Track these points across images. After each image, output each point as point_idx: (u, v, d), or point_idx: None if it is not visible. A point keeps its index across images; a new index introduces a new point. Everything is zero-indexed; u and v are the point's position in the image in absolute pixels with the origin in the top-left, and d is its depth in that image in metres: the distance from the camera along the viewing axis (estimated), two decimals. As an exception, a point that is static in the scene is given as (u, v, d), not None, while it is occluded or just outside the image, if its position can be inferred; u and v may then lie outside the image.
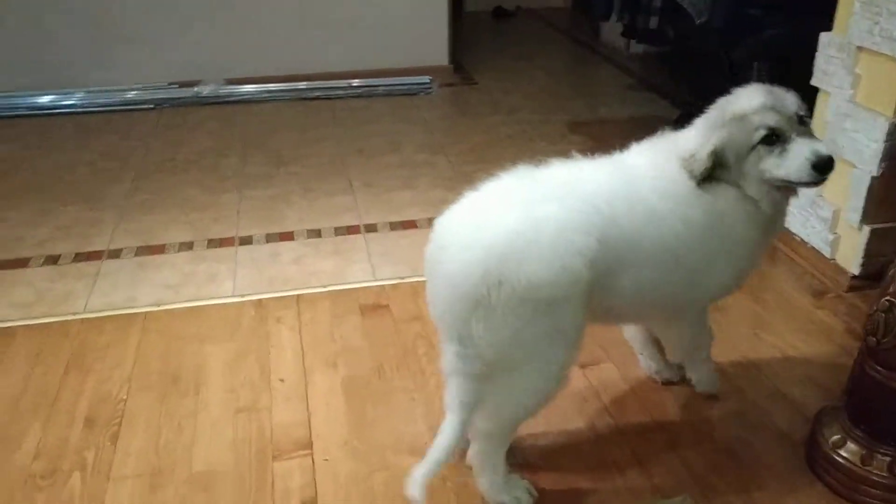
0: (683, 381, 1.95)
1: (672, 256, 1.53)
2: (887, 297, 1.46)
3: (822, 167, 1.49)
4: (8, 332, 2.22)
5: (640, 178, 1.57)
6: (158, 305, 2.35)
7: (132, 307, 2.34)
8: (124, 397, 1.96)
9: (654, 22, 3.02)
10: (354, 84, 4.33)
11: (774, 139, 1.51)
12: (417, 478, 1.40)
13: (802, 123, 1.54)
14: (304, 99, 4.20)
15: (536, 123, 3.80)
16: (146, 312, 2.31)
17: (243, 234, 2.77)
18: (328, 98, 4.21)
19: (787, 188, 1.58)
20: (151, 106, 4.12)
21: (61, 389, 1.99)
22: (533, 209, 1.41)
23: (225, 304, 2.35)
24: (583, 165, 1.60)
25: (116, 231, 2.79)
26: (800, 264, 2.51)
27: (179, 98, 4.18)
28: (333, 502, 1.64)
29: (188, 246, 2.69)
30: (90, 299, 2.38)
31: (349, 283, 2.44)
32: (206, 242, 2.71)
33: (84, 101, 4.11)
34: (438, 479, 1.61)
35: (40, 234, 2.78)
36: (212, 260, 2.60)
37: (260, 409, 1.91)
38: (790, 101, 1.53)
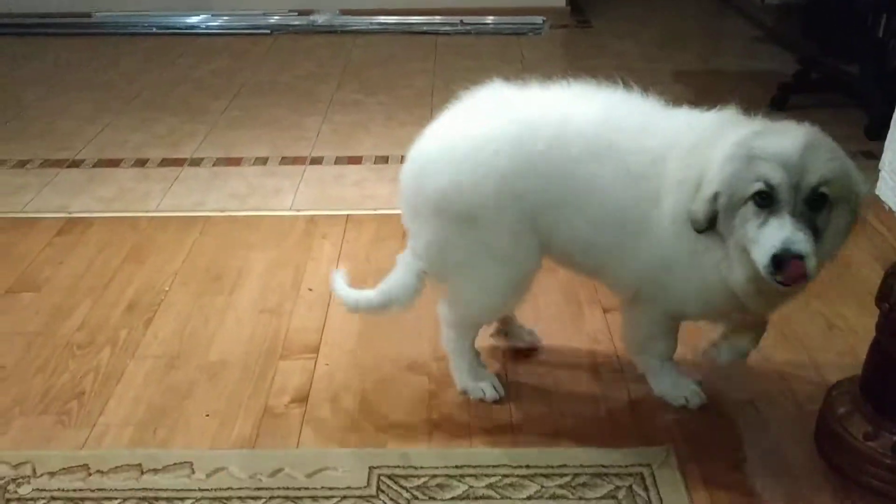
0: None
1: (617, 231, 1.41)
2: (900, 264, 1.32)
3: (779, 263, 1.18)
4: (87, 222, 2.44)
5: (625, 133, 1.38)
6: (222, 212, 2.49)
7: (198, 211, 2.49)
8: (167, 289, 2.11)
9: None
10: (464, 21, 4.31)
11: (766, 203, 1.22)
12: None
13: (812, 205, 1.21)
14: (412, 33, 4.23)
15: (639, 70, 3.63)
16: (208, 217, 2.46)
17: (316, 154, 2.86)
18: (435, 33, 4.22)
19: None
20: (268, 31, 4.29)
21: (116, 275, 2.17)
22: (467, 125, 1.43)
23: (280, 216, 2.46)
24: (566, 93, 1.47)
25: (204, 142, 2.97)
26: (881, 233, 2.29)
27: (295, 25, 4.33)
28: (320, 402, 1.71)
29: (263, 161, 2.82)
30: (163, 200, 2.56)
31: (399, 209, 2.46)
32: (280, 159, 2.83)
33: (206, 23, 4.34)
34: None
35: (137, 140, 3.00)
36: (281, 176, 2.71)
37: (282, 313, 2.00)
38: (818, 167, 1.20)
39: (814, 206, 1.22)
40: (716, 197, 1.27)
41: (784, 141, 1.22)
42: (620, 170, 1.38)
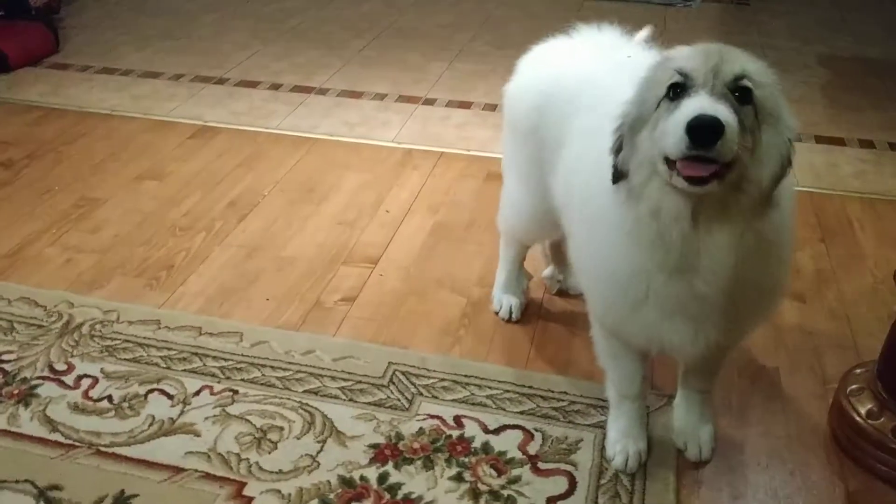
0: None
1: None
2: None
3: (696, 132, 0.97)
4: (216, 131, 2.74)
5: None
6: (331, 136, 2.71)
7: (311, 133, 2.73)
8: (265, 194, 2.35)
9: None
10: (617, -12, 4.27)
11: (679, 92, 1.03)
12: None
13: (735, 95, 1.02)
14: (559, -6, 4.26)
15: (784, 50, 3.49)
16: (318, 139, 2.68)
17: (430, 96, 3.01)
18: (585, -2, 4.23)
19: (685, 189, 1.03)
20: (424, -17, 4.47)
21: (227, 177, 2.44)
22: (544, 55, 1.60)
23: (381, 146, 2.64)
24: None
25: (335, 75, 3.20)
26: None
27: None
28: (365, 304, 1.88)
29: (381, 97, 3.01)
30: (284, 120, 2.81)
31: (490, 152, 2.57)
32: (397, 97, 3.01)
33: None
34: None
35: (277, 66, 3.28)
36: (393, 111, 2.89)
37: (356, 227, 2.19)
38: (740, 59, 1.04)
39: (736, 97, 1.02)
40: (621, 126, 1.12)
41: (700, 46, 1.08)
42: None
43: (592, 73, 1.42)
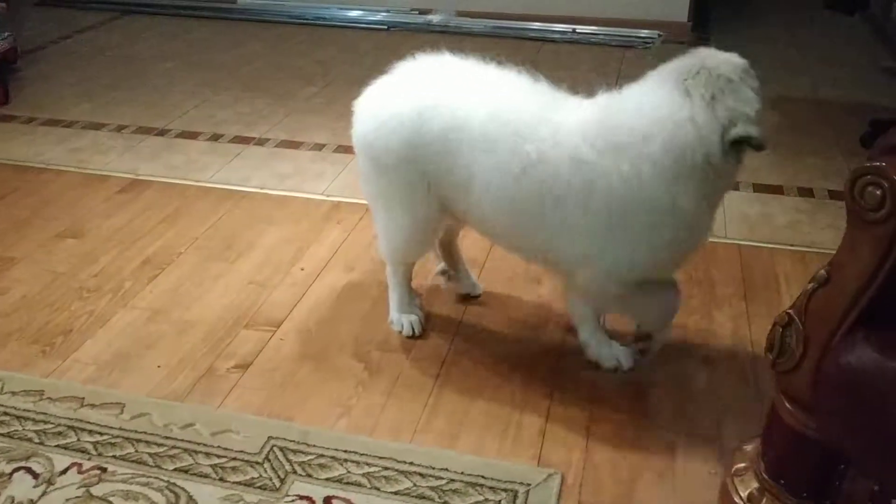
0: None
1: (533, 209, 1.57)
2: (788, 311, 1.21)
3: None
4: (147, 185, 2.70)
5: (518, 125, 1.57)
6: (261, 189, 2.67)
7: (241, 186, 2.69)
8: (182, 251, 2.31)
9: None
10: (577, 30, 4.26)
11: None
12: None
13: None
14: (520, 38, 4.25)
15: (736, 93, 3.44)
16: (247, 192, 2.65)
17: (369, 145, 2.97)
18: (542, 40, 4.21)
19: None
20: (385, 27, 4.47)
21: (147, 234, 2.40)
22: (396, 89, 1.74)
23: (309, 198, 2.60)
24: (485, 77, 1.70)
25: (278, 125, 3.18)
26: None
27: (410, 24, 4.48)
28: (259, 372, 1.82)
29: (320, 147, 2.98)
30: (217, 173, 2.78)
31: (419, 204, 2.53)
32: (336, 147, 2.98)
33: (333, 15, 4.60)
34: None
35: (222, 116, 3.27)
36: (329, 162, 2.86)
37: (266, 287, 2.13)
38: None
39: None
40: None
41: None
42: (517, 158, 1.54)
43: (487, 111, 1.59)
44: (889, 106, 3.23)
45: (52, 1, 5.01)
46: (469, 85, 1.65)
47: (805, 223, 2.40)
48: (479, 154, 1.57)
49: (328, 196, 2.62)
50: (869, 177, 1.07)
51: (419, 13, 4.58)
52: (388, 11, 4.62)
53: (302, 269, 2.21)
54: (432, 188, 1.67)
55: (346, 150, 2.93)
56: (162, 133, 3.12)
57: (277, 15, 4.68)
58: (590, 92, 1.68)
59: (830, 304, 1.14)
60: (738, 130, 1.43)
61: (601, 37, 4.19)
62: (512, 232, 1.67)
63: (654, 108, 1.48)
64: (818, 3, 4.43)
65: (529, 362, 1.84)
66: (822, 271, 1.16)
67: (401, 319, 1.92)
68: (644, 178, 1.46)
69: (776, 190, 2.60)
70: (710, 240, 2.29)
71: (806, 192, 2.58)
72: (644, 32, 4.20)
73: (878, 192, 1.06)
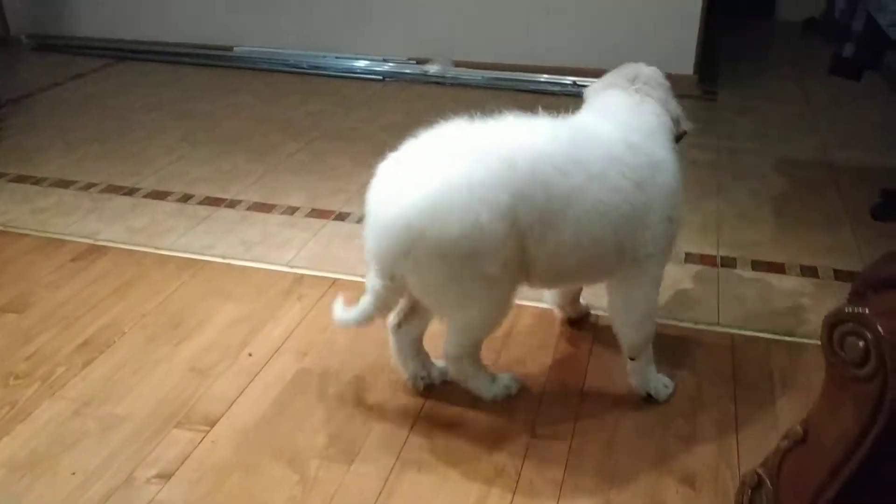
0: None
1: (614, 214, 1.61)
2: (758, 470, 1.00)
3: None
4: (103, 251, 2.55)
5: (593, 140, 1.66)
6: (223, 258, 2.50)
7: (203, 254, 2.53)
8: (125, 331, 2.14)
9: (849, 49, 2.35)
10: (577, 83, 4.10)
11: None
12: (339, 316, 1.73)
13: None
14: (519, 91, 4.09)
15: (741, 153, 3.24)
16: (208, 262, 2.48)
17: (345, 209, 2.81)
18: (541, 92, 4.05)
19: None
20: (381, 77, 4.34)
21: (94, 308, 2.24)
22: (451, 168, 1.53)
23: (272, 270, 2.43)
24: (524, 122, 1.70)
25: (253, 184, 3.03)
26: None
27: (407, 74, 4.34)
28: (180, 483, 1.63)
29: (292, 211, 2.82)
30: (181, 239, 2.62)
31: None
32: (309, 211, 2.81)
33: (329, 64, 4.48)
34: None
35: (197, 173, 3.12)
36: (299, 228, 2.69)
37: (209, 376, 1.95)
38: None
39: None
40: None
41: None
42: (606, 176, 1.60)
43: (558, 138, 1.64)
44: (904, 171, 3.02)
45: (49, 46, 4.95)
46: (528, 142, 1.61)
47: (807, 309, 2.18)
48: (575, 204, 1.57)
49: (292, 268, 2.44)
50: (850, 325, 0.87)
51: (416, 63, 4.45)
52: (384, 61, 4.49)
53: (250, 355, 2.03)
54: (527, 257, 1.59)
55: (320, 214, 2.78)
56: (131, 192, 2.98)
57: (273, 63, 4.57)
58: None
59: (807, 470, 0.94)
60: (685, 126, 1.83)
61: (602, 90, 4.02)
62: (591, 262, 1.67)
63: (637, 113, 1.73)
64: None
65: (484, 481, 1.63)
66: (798, 427, 0.96)
67: (503, 385, 1.83)
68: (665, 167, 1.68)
69: (777, 268, 2.38)
70: (700, 327, 2.11)
71: (810, 272, 2.36)
72: (647, 85, 4.01)
73: (860, 344, 0.86)
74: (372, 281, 1.63)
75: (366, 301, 1.67)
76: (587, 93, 1.87)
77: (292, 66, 4.52)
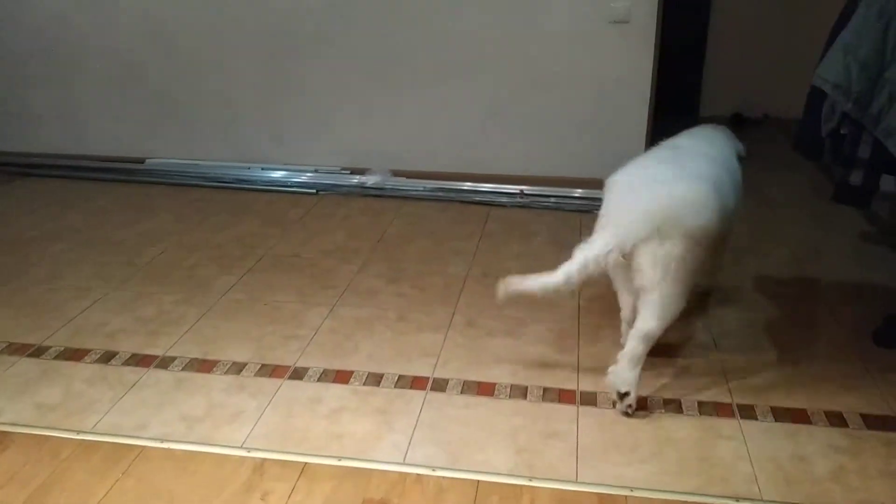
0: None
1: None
2: None
3: None
4: (7, 440, 2.07)
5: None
6: (162, 441, 2.07)
7: (136, 436, 2.09)
8: (44, 563, 1.67)
9: (857, 177, 2.22)
10: (525, 192, 3.90)
11: None
12: (516, 283, 2.17)
13: None
14: (464, 202, 3.85)
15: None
16: (143, 447, 2.04)
17: (301, 364, 2.43)
18: (489, 204, 3.82)
19: None
20: (314, 191, 4.02)
21: (-2, 531, 1.76)
22: (700, 174, 2.19)
23: (224, 455, 2.02)
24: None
25: (186, 334, 2.61)
26: None
27: (342, 186, 4.04)
28: None
29: (239, 368, 2.41)
30: (106, 416, 2.18)
31: (370, 460, 1.98)
32: (259, 367, 2.42)
33: (255, 177, 4.13)
34: None
35: (118, 323, 2.68)
36: (250, 391, 2.29)
37: None
38: None
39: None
40: None
41: None
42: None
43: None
44: (889, 284, 2.90)
45: (-72, 162, 4.40)
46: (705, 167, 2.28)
47: (850, 471, 1.94)
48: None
49: (249, 450, 2.03)
50: None
51: (350, 173, 4.16)
52: (315, 171, 4.18)
53: (213, 590, 1.61)
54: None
55: (272, 371, 2.39)
56: (38, 352, 2.51)
57: (190, 177, 4.18)
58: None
59: None
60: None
61: (553, 200, 3.83)
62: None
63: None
64: (787, 152, 4.19)
65: None
66: None
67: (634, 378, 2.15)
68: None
69: (800, 416, 2.16)
70: (747, 509, 1.83)
71: (836, 419, 2.14)
72: (599, 193, 3.85)
73: None
74: (594, 251, 2.11)
75: (573, 266, 2.11)
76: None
77: (214, 180, 4.15)
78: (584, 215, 3.68)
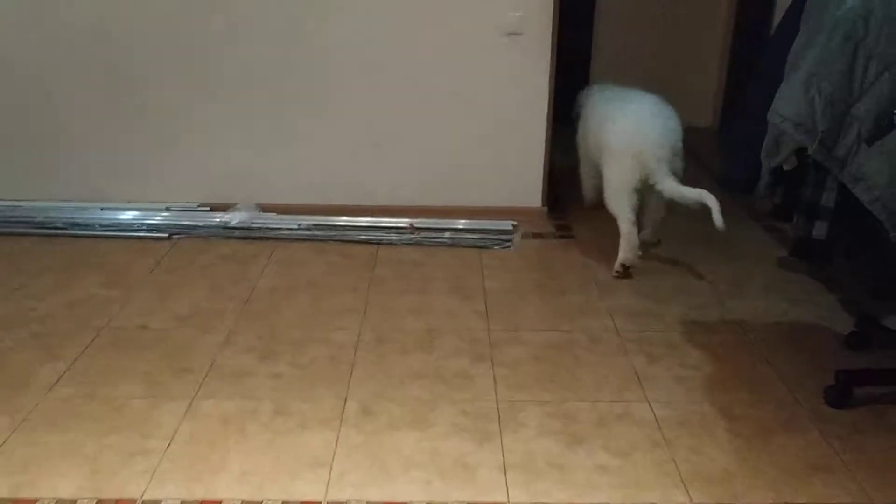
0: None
1: None
2: None
3: None
4: None
5: None
6: None
7: None
8: None
9: (820, 229, 1.92)
10: (415, 225, 3.44)
11: None
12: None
13: None
14: (347, 241, 3.35)
15: (639, 318, 2.73)
16: None
17: (152, 495, 1.86)
18: (376, 243, 3.33)
19: None
20: (167, 235, 3.39)
21: None
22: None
23: None
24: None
25: (-5, 456, 1.98)
26: None
27: (200, 227, 3.43)
28: None
29: (67, 507, 1.82)
30: None
31: None
32: (94, 504, 1.83)
33: (93, 221, 3.45)
34: None
35: None
36: (82, 545, 1.71)
37: None
38: None
39: None
40: None
41: None
42: None
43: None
44: (820, 324, 2.65)
45: None
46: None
47: None
48: None
49: None
50: None
51: (210, 210, 3.56)
52: (167, 210, 3.55)
53: None
54: None
55: (112, 508, 1.81)
56: None
57: (10, 224, 3.44)
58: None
59: None
60: None
61: (447, 235, 3.39)
62: None
63: None
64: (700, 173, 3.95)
65: None
66: None
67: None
68: None
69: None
70: None
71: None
72: (497, 224, 3.46)
73: None
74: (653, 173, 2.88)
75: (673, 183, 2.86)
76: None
77: (41, 226, 3.43)
78: (484, 252, 3.27)
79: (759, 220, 3.64)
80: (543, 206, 3.63)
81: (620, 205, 2.95)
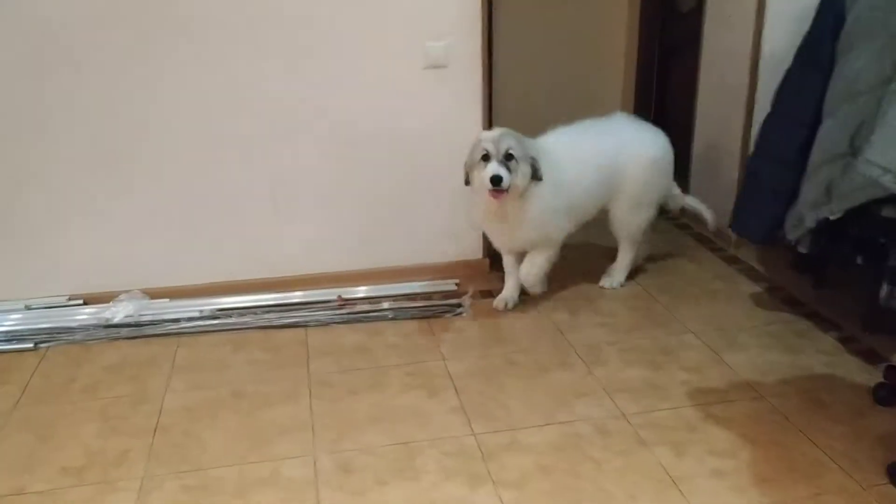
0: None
1: None
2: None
3: (493, 180, 2.48)
4: None
5: None
6: None
7: None
8: None
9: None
10: (343, 297, 2.90)
11: (486, 158, 2.52)
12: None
13: (507, 157, 2.51)
14: (267, 327, 2.75)
15: (639, 394, 2.32)
16: None
17: None
18: (304, 325, 2.76)
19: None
20: (31, 345, 2.66)
21: None
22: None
23: None
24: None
25: None
26: None
27: (76, 328, 2.73)
28: None
29: None
30: None
31: None
32: None
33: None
34: None
35: None
36: None
37: None
38: (507, 142, 2.52)
39: (508, 159, 2.51)
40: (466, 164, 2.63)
41: (491, 133, 2.59)
42: None
43: None
44: (826, 372, 2.35)
45: None
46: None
47: None
48: None
49: None
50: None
51: (84, 303, 2.86)
52: (26, 308, 2.82)
53: None
54: None
55: None
56: None
57: None
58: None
59: None
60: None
61: (386, 307, 2.86)
62: None
63: None
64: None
65: None
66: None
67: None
68: None
69: None
70: None
71: None
72: (440, 285, 2.98)
73: None
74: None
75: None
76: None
77: None
78: (433, 323, 2.77)
79: (704, 242, 3.39)
80: (485, 257, 3.18)
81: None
